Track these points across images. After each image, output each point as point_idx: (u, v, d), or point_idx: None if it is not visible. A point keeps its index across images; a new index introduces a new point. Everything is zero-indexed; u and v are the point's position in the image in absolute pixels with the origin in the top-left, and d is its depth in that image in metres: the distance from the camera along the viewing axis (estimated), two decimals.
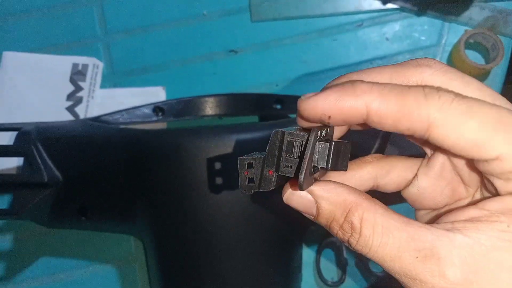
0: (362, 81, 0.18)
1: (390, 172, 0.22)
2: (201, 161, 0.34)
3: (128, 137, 0.37)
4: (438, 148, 0.20)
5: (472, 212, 0.18)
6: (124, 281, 0.43)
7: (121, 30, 0.51)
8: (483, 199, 0.19)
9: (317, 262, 0.44)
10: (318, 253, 0.44)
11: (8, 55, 0.48)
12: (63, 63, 0.48)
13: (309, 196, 0.19)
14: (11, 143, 0.37)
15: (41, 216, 0.38)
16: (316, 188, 0.19)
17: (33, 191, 0.36)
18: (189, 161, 0.34)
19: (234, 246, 0.34)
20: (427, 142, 0.18)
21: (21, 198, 0.36)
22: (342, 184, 0.19)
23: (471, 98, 0.17)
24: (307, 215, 0.20)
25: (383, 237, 0.17)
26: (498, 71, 0.49)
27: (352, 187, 0.19)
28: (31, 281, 0.44)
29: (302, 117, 0.19)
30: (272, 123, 0.38)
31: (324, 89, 0.19)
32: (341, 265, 0.43)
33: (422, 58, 0.20)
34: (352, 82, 0.18)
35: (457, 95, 0.17)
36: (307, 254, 0.44)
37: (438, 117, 0.17)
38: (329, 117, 0.18)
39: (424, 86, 0.18)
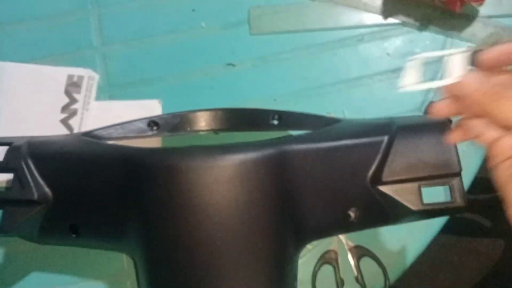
0: None
1: None
2: (194, 181, 0.33)
3: (120, 154, 0.36)
4: None
5: None
6: None
7: (118, 42, 0.50)
8: None
9: (312, 282, 0.43)
10: (314, 272, 0.43)
11: (2, 65, 0.48)
12: (59, 74, 0.47)
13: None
14: (1, 158, 0.36)
15: (30, 233, 0.37)
16: None
17: (23, 208, 0.36)
18: (182, 181, 0.33)
19: (228, 269, 0.33)
20: None
21: (10, 215, 0.36)
22: None
23: None
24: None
25: None
26: None
27: None
28: None
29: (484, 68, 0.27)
30: (268, 142, 0.37)
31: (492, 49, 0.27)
32: (338, 285, 0.43)
33: None
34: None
35: None
36: (303, 273, 0.43)
37: None
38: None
39: None
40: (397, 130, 0.38)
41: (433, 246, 0.44)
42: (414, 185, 0.36)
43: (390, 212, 0.37)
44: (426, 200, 0.36)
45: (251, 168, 0.34)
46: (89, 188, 0.36)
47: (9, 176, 0.38)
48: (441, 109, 0.31)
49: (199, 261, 0.33)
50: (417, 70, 0.31)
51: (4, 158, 0.36)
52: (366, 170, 0.37)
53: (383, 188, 0.37)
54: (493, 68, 0.27)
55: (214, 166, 0.33)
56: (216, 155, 0.34)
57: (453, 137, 0.32)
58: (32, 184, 0.36)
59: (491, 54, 0.27)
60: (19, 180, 0.36)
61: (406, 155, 0.37)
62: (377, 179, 0.37)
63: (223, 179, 0.33)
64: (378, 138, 0.37)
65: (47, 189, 0.36)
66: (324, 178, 0.37)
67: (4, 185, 0.41)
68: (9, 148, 0.37)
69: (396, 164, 0.36)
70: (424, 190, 0.37)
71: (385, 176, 0.36)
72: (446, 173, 0.36)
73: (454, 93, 0.30)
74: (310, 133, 0.39)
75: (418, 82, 0.30)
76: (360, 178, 0.37)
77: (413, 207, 0.36)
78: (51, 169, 0.37)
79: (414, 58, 0.30)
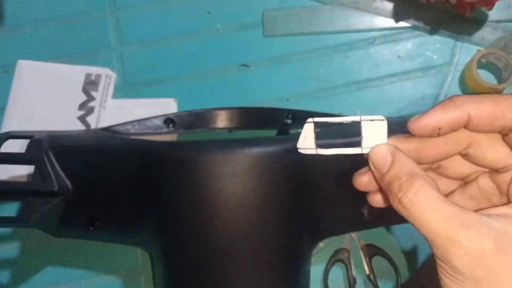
0: (458, 95, 0.22)
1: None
2: (213, 173, 0.33)
3: (140, 148, 0.37)
4: None
5: (503, 209, 0.22)
6: None
7: (135, 42, 0.51)
8: None
9: (324, 280, 0.43)
10: (326, 270, 0.43)
11: (22, 63, 0.49)
12: (77, 73, 0.48)
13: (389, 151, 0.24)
14: (23, 151, 0.37)
15: (49, 225, 0.38)
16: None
17: (43, 200, 0.36)
18: (201, 174, 0.34)
19: (244, 262, 0.33)
20: None
21: (30, 206, 0.36)
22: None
23: None
24: (373, 168, 0.24)
25: (436, 204, 0.20)
26: (511, 92, 0.49)
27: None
28: None
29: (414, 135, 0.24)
30: (285, 137, 0.38)
31: (426, 112, 0.23)
32: (350, 283, 0.43)
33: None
34: (450, 98, 0.22)
35: None
36: (315, 271, 0.43)
37: None
38: (439, 128, 0.22)
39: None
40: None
41: None
42: None
43: None
44: None
45: (268, 162, 0.34)
46: (108, 181, 0.37)
47: (30, 170, 0.39)
48: (362, 182, 0.27)
49: (216, 253, 0.33)
50: (312, 134, 0.26)
51: (26, 150, 0.37)
52: None
53: None
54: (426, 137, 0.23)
55: (232, 159, 0.34)
56: (234, 148, 0.34)
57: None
58: (52, 175, 0.36)
59: (421, 124, 0.23)
60: (40, 171, 0.36)
61: None
62: None
63: (240, 172, 0.34)
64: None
65: (67, 181, 0.37)
66: (339, 173, 0.37)
67: (25, 179, 0.41)
68: (30, 141, 0.38)
69: None
70: None
71: None
72: None
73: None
74: (326, 129, 0.40)
75: (318, 145, 0.26)
76: None
77: None
78: (72, 161, 0.37)
79: (312, 121, 0.26)
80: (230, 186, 0.34)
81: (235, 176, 0.34)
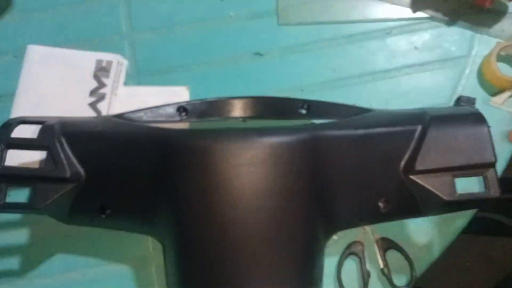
0: None
1: None
2: (230, 162, 0.33)
3: (155, 135, 0.36)
4: None
5: None
6: (140, 282, 0.42)
7: (146, 29, 0.50)
8: None
9: (338, 273, 0.42)
10: (339, 263, 0.43)
11: (32, 48, 0.48)
12: (88, 59, 0.48)
13: None
14: (35, 136, 0.37)
15: (60, 212, 0.37)
16: None
17: (55, 186, 0.36)
18: (217, 162, 0.33)
19: (260, 252, 0.33)
20: None
21: (42, 192, 0.36)
22: None
23: None
24: None
25: None
26: None
27: None
28: (44, 278, 0.43)
29: None
30: (302, 126, 0.37)
31: None
32: (363, 277, 0.42)
33: None
34: None
35: None
36: (328, 263, 0.42)
37: None
38: None
39: None
40: (431, 120, 0.37)
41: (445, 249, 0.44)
42: (448, 175, 0.36)
43: (421, 203, 0.37)
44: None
45: (286, 151, 0.34)
46: (121, 168, 0.36)
47: (42, 156, 0.38)
48: None
49: (231, 242, 0.33)
50: None
51: (38, 136, 0.36)
52: (399, 159, 0.36)
53: (415, 178, 0.36)
54: None
55: (250, 148, 0.33)
56: (252, 137, 0.34)
57: None
58: (65, 162, 0.36)
59: None
60: (52, 157, 0.36)
61: (440, 144, 0.36)
62: (410, 168, 0.36)
63: (258, 161, 0.33)
64: (411, 127, 0.37)
65: (79, 168, 0.36)
66: (357, 165, 0.37)
67: (37, 165, 0.41)
68: (42, 126, 0.37)
69: (430, 153, 0.36)
70: None
71: (418, 165, 0.36)
72: (481, 163, 0.36)
73: None
74: (343, 120, 0.39)
75: None
76: (393, 166, 0.36)
77: (446, 197, 0.36)
78: (84, 148, 0.37)
79: None
80: (247, 175, 0.33)
81: (252, 165, 0.33)
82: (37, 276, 0.43)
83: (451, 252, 0.44)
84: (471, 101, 0.45)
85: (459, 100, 0.46)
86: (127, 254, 0.43)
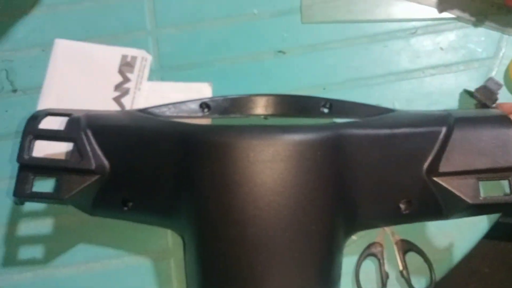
0: None
1: None
2: (252, 158, 0.33)
3: (179, 130, 0.36)
4: None
5: None
6: (159, 275, 0.43)
7: (171, 25, 0.51)
8: None
9: (356, 273, 0.42)
10: (358, 264, 0.42)
11: (59, 42, 0.49)
12: (113, 54, 0.48)
13: None
14: (61, 129, 0.37)
15: (84, 203, 0.38)
16: None
17: (80, 178, 0.36)
18: (240, 158, 0.33)
19: (280, 249, 0.33)
20: None
21: (67, 183, 0.36)
22: None
23: None
24: None
25: None
26: None
27: None
28: (67, 267, 0.44)
29: None
30: (326, 124, 0.37)
31: None
32: (382, 278, 0.42)
33: None
34: None
35: None
36: (346, 264, 0.42)
37: None
38: None
39: None
40: (456, 122, 0.37)
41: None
42: (472, 177, 0.36)
43: (444, 205, 0.37)
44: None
45: (309, 149, 0.34)
46: (144, 162, 0.37)
47: (68, 148, 0.39)
48: None
49: (252, 239, 0.33)
50: None
51: (65, 128, 0.37)
52: (422, 160, 0.36)
53: (439, 180, 0.36)
54: None
55: (272, 144, 0.33)
56: (275, 134, 0.34)
57: None
58: (90, 154, 0.36)
59: None
60: (78, 149, 0.37)
61: (465, 146, 0.36)
62: (433, 169, 0.36)
63: (280, 158, 0.33)
64: (436, 128, 0.37)
65: (105, 161, 0.37)
66: (379, 165, 0.36)
67: (63, 157, 0.42)
68: (69, 119, 0.38)
69: (454, 155, 0.36)
70: None
71: (442, 167, 0.36)
72: (507, 166, 0.35)
73: None
74: (367, 119, 0.39)
75: None
76: (416, 168, 0.36)
77: (470, 200, 0.35)
78: (109, 141, 0.37)
79: None
80: (268, 172, 0.33)
81: (275, 162, 0.33)
82: (60, 266, 0.44)
83: (470, 257, 0.44)
84: (498, 85, 0.44)
85: (489, 81, 0.44)
86: (147, 247, 0.44)
